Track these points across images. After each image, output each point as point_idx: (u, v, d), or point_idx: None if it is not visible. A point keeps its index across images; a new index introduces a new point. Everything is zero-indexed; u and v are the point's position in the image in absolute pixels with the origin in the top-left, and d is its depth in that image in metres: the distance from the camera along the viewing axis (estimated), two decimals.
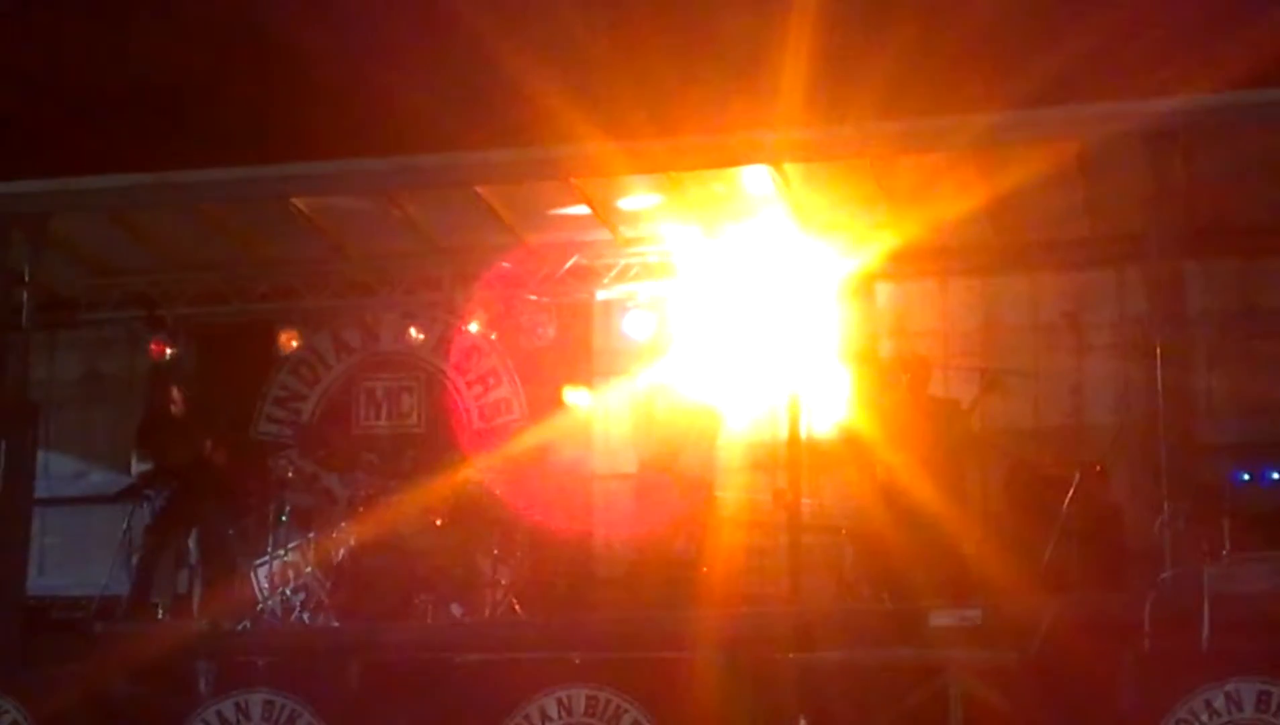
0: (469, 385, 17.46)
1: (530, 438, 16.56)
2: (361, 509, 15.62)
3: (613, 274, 16.49)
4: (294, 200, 15.26)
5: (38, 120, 13.52)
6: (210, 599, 15.43)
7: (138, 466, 15.61)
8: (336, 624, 14.46)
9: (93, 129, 13.20)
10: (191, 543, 15.41)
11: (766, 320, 14.98)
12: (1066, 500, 13.44)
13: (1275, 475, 13.86)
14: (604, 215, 15.73)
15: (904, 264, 15.65)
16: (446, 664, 11.74)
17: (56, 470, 15.97)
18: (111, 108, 13.37)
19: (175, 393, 15.84)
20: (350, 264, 16.91)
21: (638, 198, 15.40)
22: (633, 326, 16.53)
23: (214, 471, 15.71)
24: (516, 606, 14.86)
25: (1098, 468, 14.14)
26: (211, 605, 15.27)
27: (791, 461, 13.48)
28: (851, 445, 13.79)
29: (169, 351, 17.34)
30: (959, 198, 14.12)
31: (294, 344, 17.36)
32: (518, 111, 12.65)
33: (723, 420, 14.64)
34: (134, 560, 15.20)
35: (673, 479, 14.10)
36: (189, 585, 16.91)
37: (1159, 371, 12.11)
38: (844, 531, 14.25)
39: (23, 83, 13.54)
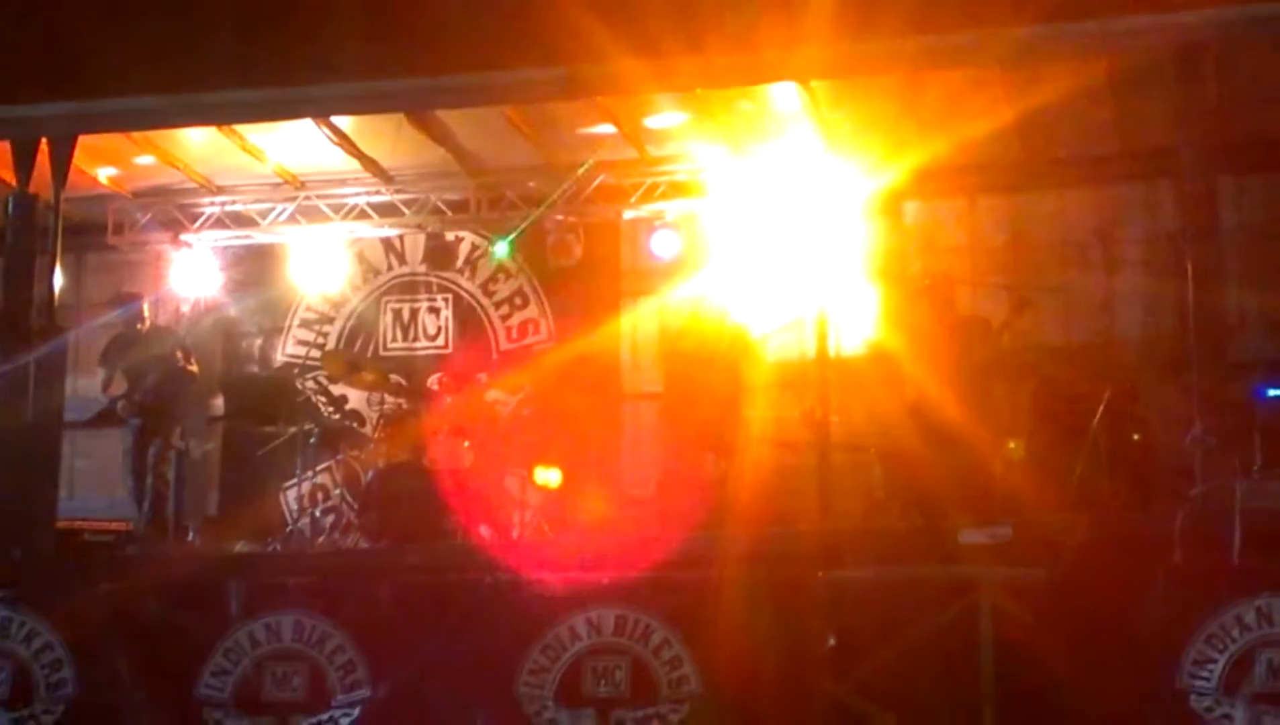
0: (496, 306, 17.50)
1: (558, 357, 16.59)
2: (389, 430, 15.68)
3: (639, 193, 16.43)
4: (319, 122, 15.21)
5: (61, 41, 13.49)
6: (239, 520, 15.51)
7: (109, 387, 15.42)
8: (365, 545, 14.51)
9: (117, 50, 13.15)
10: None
11: (794, 239, 14.93)
12: (1096, 417, 13.40)
13: None
14: (630, 134, 15.67)
15: (932, 182, 15.55)
16: (476, 585, 11.73)
17: (84, 393, 15.98)
18: (136, 28, 13.31)
19: (144, 309, 15.74)
20: (377, 184, 16.86)
21: (664, 116, 15.34)
22: (660, 246, 16.51)
23: (189, 384, 15.62)
24: (545, 527, 14.89)
25: (1127, 385, 14.10)
26: (241, 527, 15.35)
27: (820, 380, 13.44)
28: (880, 364, 13.73)
29: (195, 274, 17.39)
30: (988, 114, 14.03)
31: (322, 266, 17.40)
32: (545, 30, 12.56)
33: (751, 339, 14.58)
34: (130, 485, 15.19)
35: (701, 398, 14.06)
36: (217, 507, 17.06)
37: (1190, 288, 12.03)
38: (873, 450, 14.21)
39: (49, 4, 13.51)
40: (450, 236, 17.60)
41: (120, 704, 11.87)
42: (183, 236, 17.36)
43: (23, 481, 13.40)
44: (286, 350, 17.92)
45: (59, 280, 14.13)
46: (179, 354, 15.33)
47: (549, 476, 15.33)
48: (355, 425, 16.90)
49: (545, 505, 15.09)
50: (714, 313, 14.54)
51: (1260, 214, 15.16)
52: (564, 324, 17.18)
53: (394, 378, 16.42)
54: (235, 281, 17.76)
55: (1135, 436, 13.60)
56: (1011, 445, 13.73)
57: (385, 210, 17.04)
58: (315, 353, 17.56)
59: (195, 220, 17.31)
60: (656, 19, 12.36)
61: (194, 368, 15.49)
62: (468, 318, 17.59)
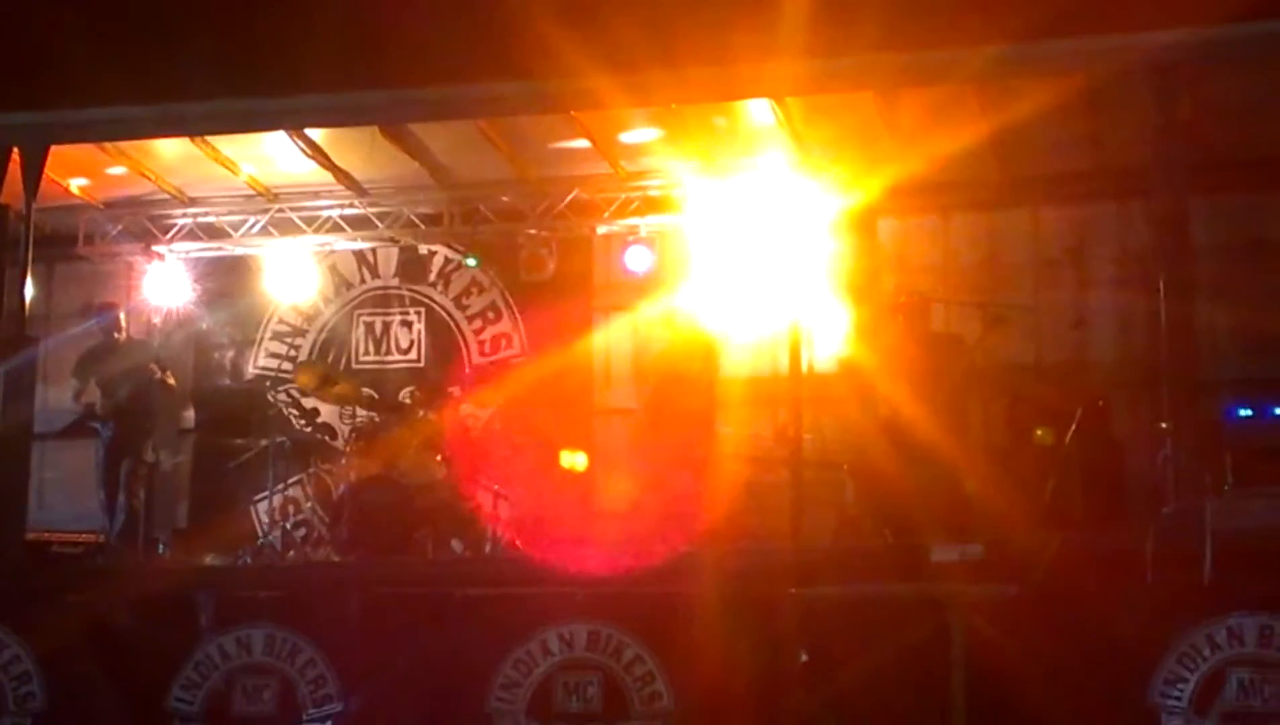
0: (469, 320, 17.49)
1: (530, 372, 16.57)
2: (361, 444, 15.65)
3: (613, 208, 16.43)
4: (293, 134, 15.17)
5: (34, 51, 13.45)
6: (210, 533, 15.46)
7: (80, 397, 15.31)
8: (337, 559, 14.48)
9: (91, 60, 13.11)
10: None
11: (768, 255, 14.92)
12: (1068, 435, 13.42)
13: (1278, 411, 13.76)
14: (605, 149, 15.65)
15: (906, 199, 15.49)
16: (447, 599, 11.71)
17: (54, 404, 15.90)
18: (110, 39, 13.27)
19: (120, 320, 15.60)
20: (350, 197, 16.83)
21: (638, 132, 15.32)
22: (634, 261, 16.52)
23: (164, 396, 15.54)
24: (517, 542, 14.86)
25: (1099, 402, 14.12)
26: (212, 540, 15.29)
27: (793, 397, 13.44)
28: (853, 381, 13.72)
29: (167, 285, 17.33)
30: (962, 132, 14.00)
31: (294, 278, 17.36)
32: (519, 44, 12.56)
33: (724, 355, 14.58)
34: (101, 497, 15.09)
35: (674, 414, 14.05)
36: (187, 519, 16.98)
37: (1162, 306, 12.06)
38: (845, 467, 14.23)
39: (22, 13, 13.47)
40: (423, 250, 17.59)
41: (89, 716, 11.81)
42: (154, 247, 17.30)
43: None
44: (258, 363, 17.89)
45: (29, 290, 14.06)
46: (155, 366, 15.25)
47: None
48: (327, 438, 16.88)
49: (518, 518, 15.04)
50: (688, 328, 14.54)
51: (1232, 233, 15.19)
52: (537, 338, 17.17)
53: (366, 391, 16.42)
54: (207, 293, 17.69)
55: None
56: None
57: (358, 223, 17.01)
58: (287, 365, 17.53)
59: (167, 231, 17.26)
60: (630, 34, 12.37)
61: (171, 381, 15.42)
62: (440, 331, 17.58)
